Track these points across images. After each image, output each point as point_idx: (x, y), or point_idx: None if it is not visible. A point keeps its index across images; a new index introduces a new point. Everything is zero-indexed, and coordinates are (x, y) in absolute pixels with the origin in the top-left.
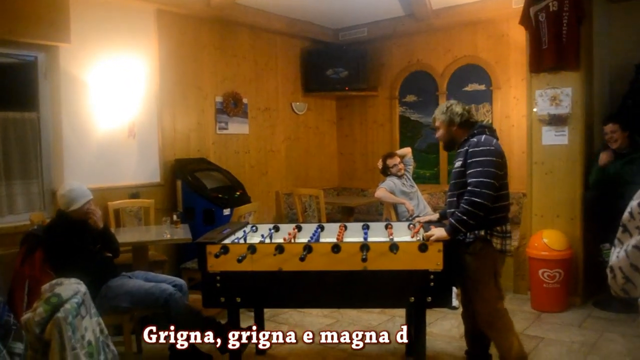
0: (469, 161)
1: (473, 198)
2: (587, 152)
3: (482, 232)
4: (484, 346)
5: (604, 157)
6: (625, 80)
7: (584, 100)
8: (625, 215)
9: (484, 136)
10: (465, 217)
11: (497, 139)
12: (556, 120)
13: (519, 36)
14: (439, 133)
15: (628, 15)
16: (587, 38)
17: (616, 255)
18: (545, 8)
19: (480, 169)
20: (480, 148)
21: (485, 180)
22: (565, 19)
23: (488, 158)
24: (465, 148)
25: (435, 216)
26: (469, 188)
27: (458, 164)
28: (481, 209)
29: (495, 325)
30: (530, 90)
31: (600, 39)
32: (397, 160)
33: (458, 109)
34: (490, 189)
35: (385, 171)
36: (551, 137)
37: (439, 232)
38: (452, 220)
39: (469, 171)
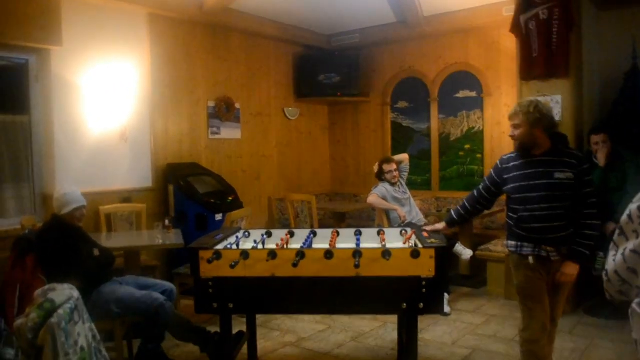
0: (585, 179)
1: (598, 222)
2: None
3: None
4: None
5: (602, 158)
6: (615, 87)
7: (573, 108)
8: (624, 218)
9: (579, 153)
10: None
11: None
12: None
13: (510, 44)
14: (518, 132)
15: (617, 23)
16: (576, 46)
17: (612, 258)
18: (535, 16)
19: (594, 189)
20: (589, 166)
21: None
22: (555, 27)
23: (593, 178)
24: (572, 161)
25: (441, 225)
26: (594, 212)
27: (568, 175)
28: None
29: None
30: (520, 97)
31: (589, 47)
32: (393, 166)
33: (545, 110)
34: None
35: (380, 175)
36: None
37: (571, 269)
38: (587, 252)
39: (590, 190)
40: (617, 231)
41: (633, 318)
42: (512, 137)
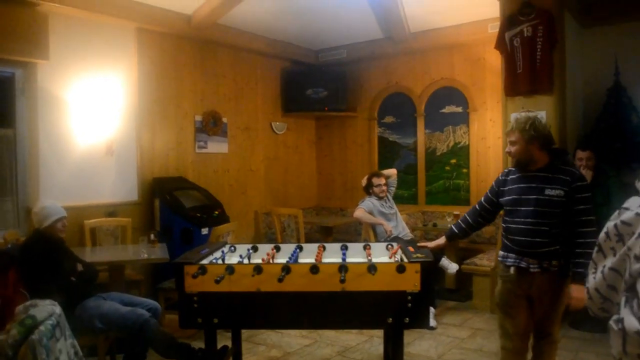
0: (578, 196)
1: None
2: None
3: (562, 261)
4: None
5: (587, 174)
6: (598, 103)
7: (557, 123)
8: (602, 235)
9: (577, 170)
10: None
11: None
12: None
13: (495, 60)
14: (515, 149)
15: (600, 40)
16: (560, 62)
17: (593, 276)
18: (519, 33)
19: (590, 207)
20: (585, 184)
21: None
22: (539, 44)
23: (590, 196)
24: (566, 178)
25: (442, 240)
26: (589, 230)
27: (558, 192)
28: None
29: (557, 341)
30: (505, 113)
31: (573, 64)
32: (382, 181)
33: (542, 127)
34: None
35: (368, 189)
36: None
37: (578, 294)
38: (584, 272)
39: (583, 208)
40: (596, 249)
41: (610, 335)
42: (509, 153)
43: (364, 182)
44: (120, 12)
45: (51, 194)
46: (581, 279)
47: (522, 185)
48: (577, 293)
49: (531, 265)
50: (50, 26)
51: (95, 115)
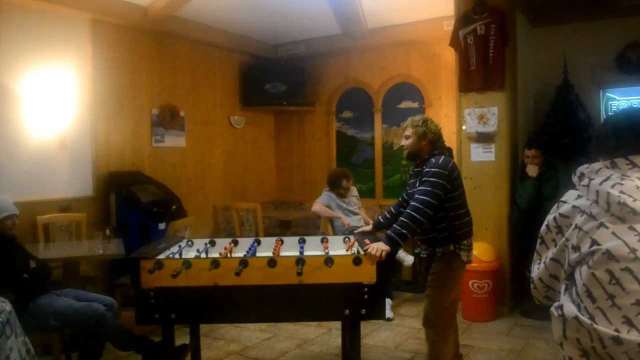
0: (424, 179)
1: (414, 214)
2: (513, 167)
3: (451, 247)
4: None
5: (533, 170)
6: (547, 100)
7: (509, 119)
8: (543, 228)
9: (442, 157)
10: (404, 231)
11: (453, 158)
12: (484, 138)
13: (450, 57)
14: (408, 142)
15: (549, 39)
16: (512, 60)
17: (537, 266)
18: (473, 31)
19: (429, 188)
20: (434, 169)
21: (429, 200)
22: (492, 42)
23: (439, 181)
24: (422, 168)
25: (368, 227)
26: (413, 203)
27: (415, 182)
28: (419, 226)
29: (439, 327)
30: (459, 109)
31: (524, 61)
32: (350, 185)
33: (433, 126)
34: (432, 210)
35: (334, 185)
36: (479, 153)
37: (380, 246)
38: (392, 234)
39: (419, 187)
40: (539, 241)
41: (552, 321)
42: (403, 146)
43: (331, 173)
44: (74, 3)
45: (1, 189)
46: (388, 240)
47: (413, 179)
48: (374, 247)
49: (422, 252)
50: (1, 16)
51: (48, 108)
